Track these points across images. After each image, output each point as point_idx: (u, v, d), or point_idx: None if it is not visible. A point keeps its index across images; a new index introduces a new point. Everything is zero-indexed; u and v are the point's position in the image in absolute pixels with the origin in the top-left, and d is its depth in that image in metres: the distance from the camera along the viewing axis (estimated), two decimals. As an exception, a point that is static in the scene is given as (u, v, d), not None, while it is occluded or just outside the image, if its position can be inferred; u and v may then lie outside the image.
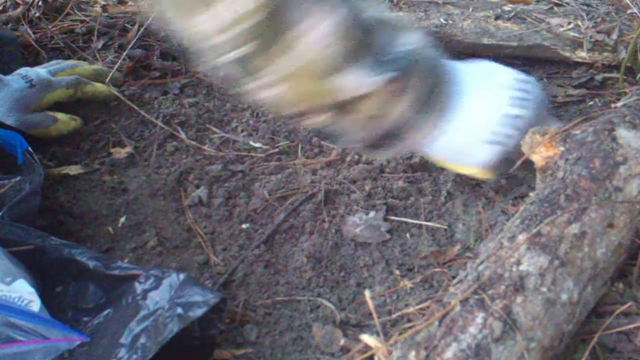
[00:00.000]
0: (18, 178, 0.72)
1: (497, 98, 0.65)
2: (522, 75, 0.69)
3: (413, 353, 0.48)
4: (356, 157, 0.85)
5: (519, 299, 0.50)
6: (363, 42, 0.55)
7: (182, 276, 0.60)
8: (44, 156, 0.86)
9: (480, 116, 0.65)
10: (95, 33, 1.11)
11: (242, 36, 0.50)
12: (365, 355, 0.54)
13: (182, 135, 0.91)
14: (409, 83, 0.60)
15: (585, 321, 0.57)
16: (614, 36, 0.95)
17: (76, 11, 1.17)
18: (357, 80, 0.55)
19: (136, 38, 1.06)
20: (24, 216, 0.69)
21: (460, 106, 0.65)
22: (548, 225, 0.56)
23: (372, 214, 0.76)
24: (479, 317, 0.49)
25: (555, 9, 1.02)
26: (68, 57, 1.06)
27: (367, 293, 0.54)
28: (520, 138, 0.65)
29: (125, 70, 1.01)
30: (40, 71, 0.89)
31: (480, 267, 0.54)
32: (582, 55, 0.97)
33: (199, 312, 0.56)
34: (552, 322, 0.51)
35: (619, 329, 0.58)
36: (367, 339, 0.53)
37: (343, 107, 0.59)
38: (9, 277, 0.59)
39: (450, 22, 1.00)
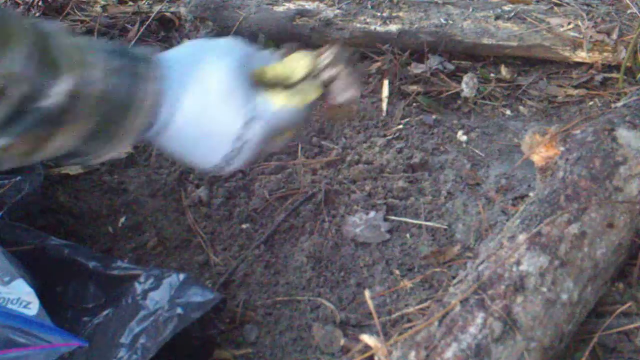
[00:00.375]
0: (18, 178, 0.72)
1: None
2: None
3: (413, 353, 0.48)
4: (356, 157, 0.85)
5: (519, 299, 0.50)
6: None
7: (182, 276, 0.60)
8: (44, 156, 0.86)
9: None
10: (95, 33, 1.11)
11: None
12: (365, 355, 0.54)
13: (182, 135, 0.91)
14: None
15: (585, 321, 0.57)
16: (614, 36, 0.95)
17: (76, 11, 1.17)
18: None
19: (136, 38, 1.06)
20: (24, 216, 0.69)
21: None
22: (548, 225, 0.55)
23: (372, 214, 0.76)
24: (479, 317, 0.49)
25: (555, 9, 1.02)
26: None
27: (367, 293, 0.54)
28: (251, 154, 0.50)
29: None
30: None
31: (480, 267, 0.54)
32: (582, 55, 0.97)
33: (199, 312, 0.56)
34: (552, 322, 0.51)
35: (619, 329, 0.58)
36: (367, 339, 0.53)
37: None
38: (7, 277, 0.59)
39: (450, 22, 1.00)
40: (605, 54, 0.96)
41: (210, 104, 0.47)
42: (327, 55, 0.51)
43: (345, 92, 0.53)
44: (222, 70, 0.48)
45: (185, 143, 0.49)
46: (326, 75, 0.52)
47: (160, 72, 0.46)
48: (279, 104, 0.49)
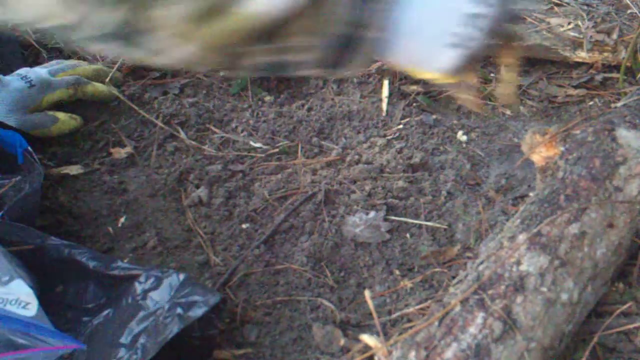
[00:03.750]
0: (18, 178, 0.72)
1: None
2: None
3: (413, 353, 0.48)
4: (356, 157, 0.85)
5: (519, 299, 0.50)
6: None
7: (182, 276, 0.60)
8: (44, 156, 0.86)
9: (436, 16, 0.56)
10: (95, 33, 1.11)
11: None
12: (365, 355, 0.54)
13: (182, 135, 0.91)
14: None
15: (585, 321, 0.57)
16: (614, 36, 0.95)
17: (76, 11, 1.17)
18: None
19: (136, 38, 1.06)
20: (24, 216, 0.69)
21: (409, 2, 0.55)
22: (548, 225, 0.56)
23: (372, 214, 0.76)
24: (479, 317, 0.49)
25: (555, 9, 1.02)
26: (68, 57, 1.06)
27: (367, 293, 0.54)
28: (483, 38, 0.56)
29: (125, 70, 1.01)
30: (40, 71, 0.89)
31: (480, 267, 0.54)
32: (582, 55, 0.97)
33: (199, 312, 0.56)
34: (552, 322, 0.51)
35: (619, 329, 0.58)
36: (367, 339, 0.53)
37: (280, 30, 0.45)
38: (6, 277, 0.59)
39: (450, 22, 1.00)
40: (605, 54, 0.96)
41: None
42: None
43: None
44: None
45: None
46: None
47: None
48: None
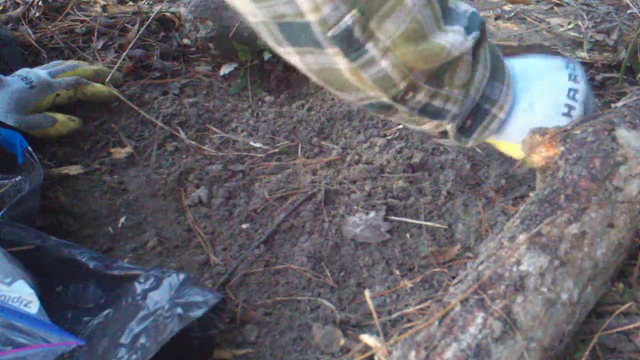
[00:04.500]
0: (18, 178, 0.72)
1: (559, 76, 0.69)
2: (560, 57, 0.73)
3: (413, 353, 0.48)
4: (356, 157, 0.85)
5: (519, 299, 0.50)
6: (444, 1, 0.55)
7: (182, 276, 0.60)
8: (44, 156, 0.86)
9: (553, 94, 0.68)
10: (95, 33, 1.11)
11: (339, 8, 0.48)
12: (365, 355, 0.54)
13: (182, 135, 0.91)
14: (482, 47, 0.60)
15: (585, 321, 0.57)
16: (614, 36, 0.95)
17: (76, 11, 1.17)
18: (455, 38, 0.55)
19: (136, 38, 1.06)
20: (24, 216, 0.69)
21: (528, 81, 0.67)
22: (548, 225, 0.55)
23: (372, 214, 0.76)
24: (479, 317, 0.49)
25: (555, 9, 1.02)
26: (68, 57, 1.06)
27: (367, 293, 0.54)
28: (580, 111, 0.68)
29: (125, 70, 1.02)
30: (40, 72, 0.89)
31: (480, 267, 0.54)
32: (582, 55, 0.97)
33: (199, 312, 0.56)
34: (552, 322, 0.51)
35: (619, 329, 0.58)
36: (367, 339, 0.53)
37: (439, 77, 0.58)
38: (9, 278, 0.59)
39: (450, 22, 1.00)
40: (605, 54, 0.96)
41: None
42: None
43: None
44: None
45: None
46: None
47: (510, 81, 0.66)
48: None
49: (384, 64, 0.53)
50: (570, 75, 0.69)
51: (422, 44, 0.53)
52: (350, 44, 0.51)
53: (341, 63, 0.52)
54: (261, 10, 0.49)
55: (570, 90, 0.68)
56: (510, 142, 0.70)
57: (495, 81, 0.64)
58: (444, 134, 0.66)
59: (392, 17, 0.50)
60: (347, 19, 0.49)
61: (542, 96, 0.67)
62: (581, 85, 0.69)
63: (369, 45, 0.51)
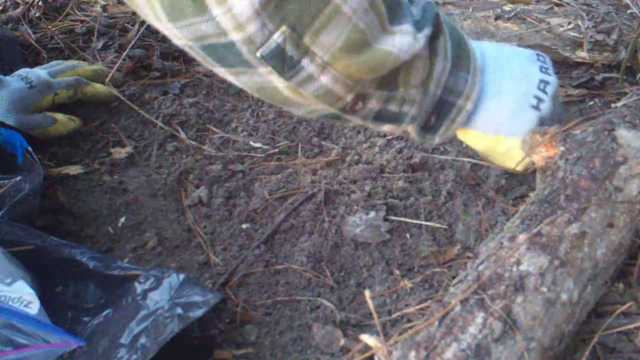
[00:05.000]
0: (18, 178, 0.72)
1: (530, 66, 0.66)
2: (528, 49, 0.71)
3: (413, 353, 0.48)
4: (356, 157, 0.85)
5: (519, 299, 0.50)
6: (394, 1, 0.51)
7: (182, 276, 0.60)
8: (44, 156, 0.86)
9: (523, 83, 0.65)
10: (95, 33, 1.11)
11: (266, 25, 0.44)
12: (365, 355, 0.54)
13: (182, 135, 0.91)
14: (439, 39, 0.56)
15: (585, 321, 0.57)
16: (614, 36, 0.95)
17: (76, 11, 1.17)
18: (403, 41, 0.50)
19: (136, 38, 1.06)
20: (24, 216, 0.69)
21: (499, 71, 0.64)
22: (548, 225, 0.56)
23: (372, 214, 0.76)
24: (479, 317, 0.49)
25: (555, 9, 1.02)
26: (68, 57, 1.06)
27: (367, 293, 0.54)
28: (549, 105, 0.66)
29: (125, 70, 1.01)
30: (40, 72, 0.89)
31: (480, 267, 0.54)
32: (582, 55, 0.97)
33: (199, 312, 0.56)
34: (552, 322, 0.51)
35: (619, 329, 0.58)
36: (367, 339, 0.53)
37: (392, 81, 0.53)
38: (9, 278, 0.59)
39: (450, 22, 1.00)
40: (605, 54, 0.96)
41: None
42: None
43: None
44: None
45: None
46: None
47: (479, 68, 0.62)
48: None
49: (324, 79, 0.49)
50: (541, 67, 0.66)
51: (365, 53, 0.49)
52: (283, 63, 0.47)
53: (277, 82, 0.49)
54: (181, 31, 0.46)
55: (541, 81, 0.65)
56: (479, 132, 0.66)
57: (459, 71, 0.60)
58: (407, 132, 0.63)
59: (328, 29, 0.46)
60: (277, 37, 0.45)
61: (511, 85, 0.64)
62: (552, 78, 0.66)
63: (305, 62, 0.47)
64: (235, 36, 0.45)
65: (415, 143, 0.87)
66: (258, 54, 0.46)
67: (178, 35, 0.47)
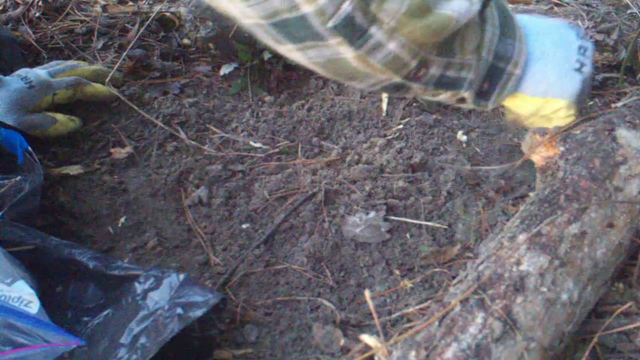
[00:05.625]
0: (18, 178, 0.72)
1: (568, 33, 0.69)
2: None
3: (413, 353, 0.48)
4: (356, 157, 0.85)
5: (519, 299, 0.50)
6: None
7: (182, 276, 0.60)
8: (44, 156, 0.86)
9: (564, 47, 0.67)
10: (95, 33, 1.11)
11: None
12: (365, 355, 0.54)
13: (182, 135, 0.91)
14: (488, 7, 0.59)
15: (585, 321, 0.57)
16: (614, 36, 0.95)
17: (76, 11, 1.17)
18: (461, 5, 0.53)
19: (136, 38, 1.06)
20: (24, 216, 0.69)
21: (541, 36, 0.67)
22: (548, 225, 0.56)
23: (372, 214, 0.76)
24: (479, 317, 0.49)
25: (555, 9, 1.02)
26: (68, 57, 1.06)
27: (367, 293, 0.54)
28: (590, 69, 0.68)
29: (125, 70, 1.01)
30: (40, 72, 0.89)
31: (480, 267, 0.54)
32: (582, 55, 0.97)
33: (199, 312, 0.56)
34: (552, 322, 0.51)
35: (619, 329, 0.58)
36: (367, 339, 0.53)
37: (449, 48, 0.57)
38: (10, 278, 0.59)
39: (450, 22, 1.00)
40: (605, 54, 0.96)
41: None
42: None
43: None
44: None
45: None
46: None
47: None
48: None
49: (392, 45, 0.52)
50: (577, 34, 0.69)
51: (428, 17, 0.51)
52: (353, 32, 0.49)
53: (347, 52, 0.51)
54: (253, 9, 0.47)
55: (580, 47, 0.68)
56: (526, 94, 0.68)
57: (506, 38, 0.63)
58: (462, 100, 0.65)
59: None
60: (346, 6, 0.47)
61: (555, 49, 0.67)
62: (589, 44, 0.68)
63: (374, 29, 0.50)
64: (307, 9, 0.47)
65: (415, 143, 0.87)
66: (330, 24, 0.48)
67: (249, 14, 0.48)
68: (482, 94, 0.65)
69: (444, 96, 0.63)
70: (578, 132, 0.65)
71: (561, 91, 0.67)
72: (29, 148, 0.77)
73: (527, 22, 0.68)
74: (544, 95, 0.68)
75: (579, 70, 0.67)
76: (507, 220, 0.71)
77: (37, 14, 1.14)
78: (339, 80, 0.57)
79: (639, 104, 0.69)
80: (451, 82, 0.61)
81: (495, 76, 0.64)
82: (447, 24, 0.53)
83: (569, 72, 0.67)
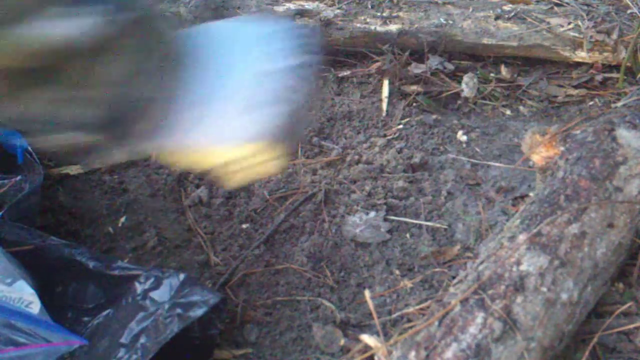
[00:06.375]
0: (18, 178, 0.72)
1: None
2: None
3: (413, 353, 0.48)
4: (356, 157, 0.85)
5: (519, 299, 0.50)
6: None
7: (182, 276, 0.60)
8: (44, 156, 0.86)
9: (231, 83, 0.46)
10: (95, 33, 1.11)
11: None
12: (365, 355, 0.54)
13: (182, 135, 0.91)
14: (125, 34, 0.39)
15: (585, 321, 0.57)
16: (614, 36, 0.95)
17: (76, 11, 1.16)
18: (53, 26, 0.34)
19: (136, 38, 1.06)
20: (24, 216, 0.69)
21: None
22: (548, 225, 0.56)
23: (372, 214, 0.76)
24: (479, 317, 0.49)
25: (555, 9, 1.02)
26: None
27: (367, 293, 0.54)
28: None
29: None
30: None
31: (480, 267, 0.54)
32: (582, 55, 0.97)
33: (199, 312, 0.56)
34: (552, 322, 0.51)
35: (619, 329, 0.58)
36: (367, 339, 0.53)
37: (47, 71, 0.36)
38: (10, 279, 0.59)
39: (451, 22, 1.00)
40: (605, 54, 0.96)
41: None
42: None
43: None
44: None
45: None
46: None
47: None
48: None
49: None
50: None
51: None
52: None
53: None
54: None
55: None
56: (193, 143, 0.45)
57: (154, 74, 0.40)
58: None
59: None
60: None
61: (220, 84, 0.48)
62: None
63: None
64: None
65: (415, 143, 0.87)
66: None
67: None
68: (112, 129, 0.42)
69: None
70: (578, 132, 0.65)
71: (231, 136, 0.45)
72: (29, 148, 0.77)
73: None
74: (213, 143, 0.44)
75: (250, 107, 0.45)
76: (507, 220, 0.71)
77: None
78: None
79: (639, 104, 0.69)
80: None
81: (135, 110, 0.40)
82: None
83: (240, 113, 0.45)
